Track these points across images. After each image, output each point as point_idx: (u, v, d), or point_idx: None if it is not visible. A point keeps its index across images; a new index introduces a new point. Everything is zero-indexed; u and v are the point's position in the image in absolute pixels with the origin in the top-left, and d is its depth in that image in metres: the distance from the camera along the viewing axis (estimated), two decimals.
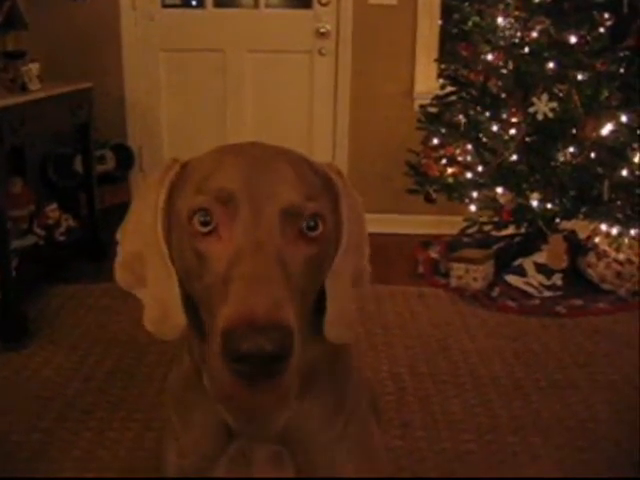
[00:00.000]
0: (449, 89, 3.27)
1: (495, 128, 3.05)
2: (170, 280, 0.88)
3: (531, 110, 2.85)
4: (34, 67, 2.96)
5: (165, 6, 3.95)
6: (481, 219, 3.22)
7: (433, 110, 3.30)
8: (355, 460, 1.01)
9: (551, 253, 3.09)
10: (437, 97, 3.31)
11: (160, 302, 0.89)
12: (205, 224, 0.81)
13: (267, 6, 3.94)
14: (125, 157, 3.87)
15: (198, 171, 0.86)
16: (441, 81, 3.36)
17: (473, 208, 3.20)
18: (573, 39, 2.85)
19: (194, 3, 4.07)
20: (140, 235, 0.90)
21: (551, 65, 2.88)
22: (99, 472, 1.87)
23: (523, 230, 3.29)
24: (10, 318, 2.61)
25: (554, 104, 2.83)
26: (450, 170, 3.24)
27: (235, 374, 0.71)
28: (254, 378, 0.71)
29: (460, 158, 3.22)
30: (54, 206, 3.40)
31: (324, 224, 0.84)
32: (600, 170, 2.88)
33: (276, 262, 0.77)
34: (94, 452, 1.95)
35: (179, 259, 0.87)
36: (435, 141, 3.27)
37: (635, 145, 2.86)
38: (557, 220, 3.12)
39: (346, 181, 0.93)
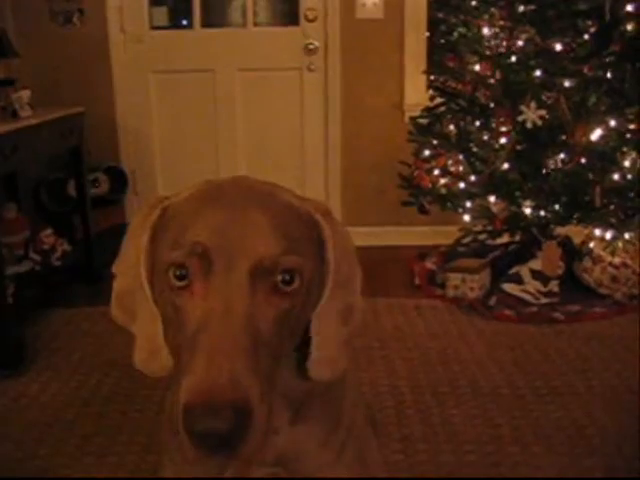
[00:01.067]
0: (438, 100, 3.29)
1: (485, 137, 3.07)
2: (155, 321, 0.89)
3: (520, 118, 2.86)
4: (25, 94, 2.98)
5: (153, 28, 3.98)
6: (475, 228, 3.23)
7: (423, 122, 3.32)
8: (354, 478, 1.01)
9: (546, 260, 3.09)
10: (427, 109, 3.32)
11: (148, 341, 0.91)
12: (180, 278, 0.81)
13: (255, 24, 3.97)
14: (119, 180, 3.88)
15: (176, 220, 0.85)
16: (430, 93, 3.38)
17: (467, 218, 3.20)
18: (558, 46, 2.88)
19: (183, 24, 4.09)
20: (129, 274, 0.91)
21: (538, 73, 2.89)
22: None
23: (518, 238, 3.30)
24: (7, 345, 2.60)
25: (543, 112, 2.84)
26: (443, 181, 3.26)
27: (196, 445, 0.73)
28: (214, 450, 0.73)
29: (452, 168, 3.24)
30: (49, 231, 3.41)
31: (300, 278, 0.82)
32: (591, 175, 2.89)
33: (244, 327, 0.77)
34: (95, 477, 1.94)
35: (160, 305, 0.88)
36: (427, 152, 3.29)
37: (625, 149, 2.88)
38: (551, 226, 3.13)
39: (334, 220, 0.91)
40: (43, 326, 2.96)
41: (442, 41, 3.36)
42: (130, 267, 0.90)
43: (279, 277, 0.80)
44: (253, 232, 0.81)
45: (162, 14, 4.12)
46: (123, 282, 0.93)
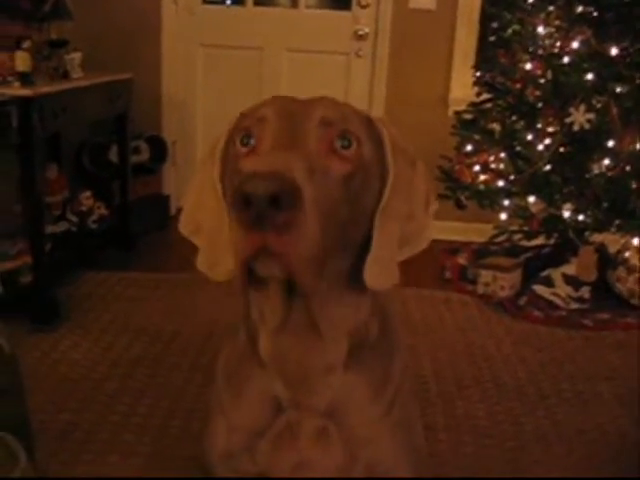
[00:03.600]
0: (485, 96, 3.26)
1: (530, 137, 3.03)
2: (223, 225, 0.92)
3: (568, 120, 2.83)
4: (77, 56, 3.01)
5: (206, 2, 4.00)
6: (511, 228, 3.21)
7: (468, 117, 3.30)
8: (398, 438, 1.03)
9: (581, 265, 3.07)
10: (473, 104, 3.30)
11: (213, 247, 0.96)
12: (246, 144, 0.90)
13: (307, 6, 3.96)
14: (159, 150, 3.91)
15: (249, 110, 0.96)
16: (477, 88, 3.35)
17: (504, 216, 3.18)
18: (614, 51, 2.83)
19: (232, 1, 4.10)
20: (202, 186, 1.00)
21: (590, 76, 2.85)
22: (124, 456, 1.89)
23: (553, 241, 3.27)
24: (41, 301, 2.65)
25: (591, 115, 2.81)
26: (482, 177, 3.23)
27: (246, 225, 0.75)
28: (263, 224, 0.74)
29: (493, 166, 3.21)
30: (88, 194, 3.45)
31: (359, 145, 0.89)
32: (634, 184, 2.86)
33: (300, 155, 0.82)
34: (120, 435, 1.98)
35: (228, 190, 0.94)
36: (469, 147, 3.26)
37: None
38: (587, 232, 3.10)
39: (394, 131, 0.98)
40: (76, 287, 3.01)
41: (493, 37, 3.32)
42: (204, 180, 0.99)
43: (337, 140, 0.87)
44: (315, 102, 0.92)
45: None
46: (195, 195, 1.02)
